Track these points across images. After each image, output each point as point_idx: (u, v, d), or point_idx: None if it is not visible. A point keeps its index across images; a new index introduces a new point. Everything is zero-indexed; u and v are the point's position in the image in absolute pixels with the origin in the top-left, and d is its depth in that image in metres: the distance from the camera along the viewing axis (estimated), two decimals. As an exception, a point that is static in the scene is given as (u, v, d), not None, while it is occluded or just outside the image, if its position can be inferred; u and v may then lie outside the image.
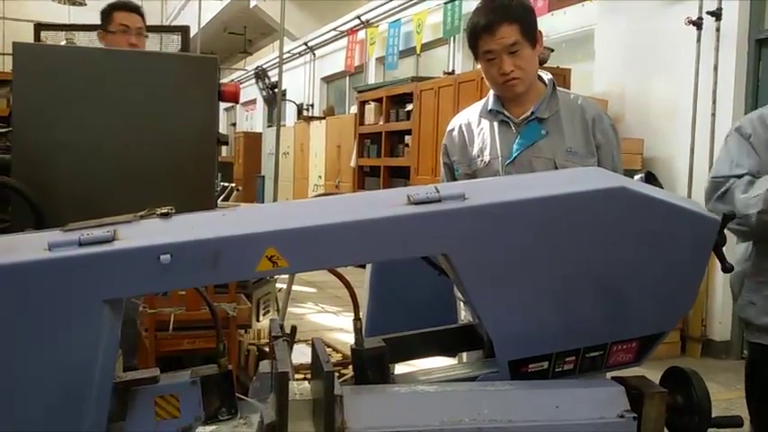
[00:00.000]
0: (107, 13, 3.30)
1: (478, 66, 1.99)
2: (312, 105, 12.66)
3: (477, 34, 1.84)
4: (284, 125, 12.27)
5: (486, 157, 1.95)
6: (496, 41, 1.81)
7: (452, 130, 2.08)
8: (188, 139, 1.62)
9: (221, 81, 1.67)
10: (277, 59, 6.19)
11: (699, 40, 5.06)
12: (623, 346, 1.24)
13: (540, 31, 1.88)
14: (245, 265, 1.02)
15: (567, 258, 1.16)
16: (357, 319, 1.24)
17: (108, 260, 0.98)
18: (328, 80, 12.54)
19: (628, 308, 1.22)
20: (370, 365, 1.21)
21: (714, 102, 4.95)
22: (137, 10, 3.16)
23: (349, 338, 2.52)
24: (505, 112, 1.95)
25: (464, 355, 1.60)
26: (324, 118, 10.89)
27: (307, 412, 1.15)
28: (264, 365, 1.32)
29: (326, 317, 6.22)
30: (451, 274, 1.15)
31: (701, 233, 1.21)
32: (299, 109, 12.67)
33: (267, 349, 4.40)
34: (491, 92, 1.99)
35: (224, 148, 17.69)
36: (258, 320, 4.75)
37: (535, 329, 1.19)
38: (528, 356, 1.21)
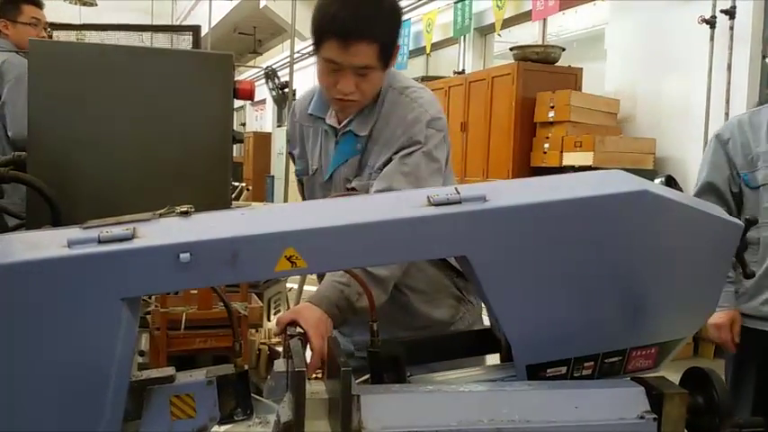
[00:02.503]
0: (16, 4, 3.40)
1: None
2: (322, 105, 12.63)
3: (325, 34, 1.52)
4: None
5: (314, 164, 1.77)
6: (346, 58, 1.52)
7: (294, 111, 1.82)
8: (203, 136, 1.62)
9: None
10: (287, 59, 6.20)
11: (712, 38, 5.03)
12: (642, 351, 1.23)
13: (397, 46, 1.61)
14: (264, 265, 1.01)
15: (587, 262, 1.15)
16: (374, 320, 1.23)
17: (127, 258, 0.97)
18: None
19: (648, 313, 1.21)
20: (387, 368, 1.20)
21: (727, 101, 4.92)
22: (41, 5, 3.36)
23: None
24: (326, 120, 1.72)
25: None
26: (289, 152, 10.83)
27: (322, 412, 1.14)
28: (279, 364, 1.31)
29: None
30: (469, 277, 1.14)
31: (723, 238, 1.20)
32: (309, 109, 12.65)
33: (279, 349, 4.40)
34: (319, 87, 1.71)
35: (234, 147, 17.71)
36: (269, 320, 4.75)
37: (554, 334, 1.17)
38: (546, 361, 1.20)
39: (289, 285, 5.66)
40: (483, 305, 1.84)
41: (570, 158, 5.25)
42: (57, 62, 1.55)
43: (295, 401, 1.02)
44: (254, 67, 16.18)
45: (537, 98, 5.57)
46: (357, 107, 1.64)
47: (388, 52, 1.57)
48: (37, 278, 0.94)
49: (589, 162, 5.06)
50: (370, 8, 1.53)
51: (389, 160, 1.59)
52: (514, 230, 1.09)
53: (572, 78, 5.92)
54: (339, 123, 1.70)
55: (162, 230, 1.02)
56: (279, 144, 11.94)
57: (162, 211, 1.07)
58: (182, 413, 1.16)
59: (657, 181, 1.26)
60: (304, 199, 1.84)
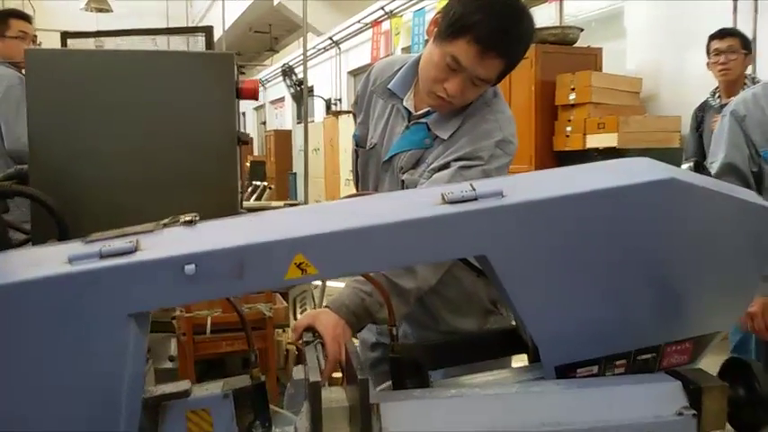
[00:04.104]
0: (3, 19, 3.44)
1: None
2: (340, 100, 12.63)
3: (466, 35, 1.44)
4: (313, 121, 12.28)
5: (375, 139, 1.69)
6: (475, 66, 1.46)
7: (370, 76, 1.74)
8: (207, 139, 1.57)
9: (240, 78, 1.62)
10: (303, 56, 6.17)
11: (735, 10, 4.88)
12: (677, 347, 1.16)
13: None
14: (272, 274, 0.97)
15: (615, 257, 1.08)
16: (393, 324, 1.18)
17: (131, 272, 0.94)
18: (355, 74, 12.49)
19: (682, 307, 1.14)
20: (408, 373, 1.16)
21: (753, 75, 4.76)
22: (30, 19, 3.39)
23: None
24: (404, 102, 1.63)
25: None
26: (352, 112, 10.82)
27: (343, 419, 1.10)
28: (298, 371, 1.27)
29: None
30: (490, 276, 1.09)
31: (758, 225, 1.13)
32: (328, 104, 12.65)
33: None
34: (409, 63, 1.65)
35: (255, 146, 17.84)
36: (295, 319, 4.74)
37: (583, 333, 1.12)
38: (576, 361, 1.14)
39: (315, 283, 5.67)
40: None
41: (594, 140, 5.13)
42: (54, 71, 1.52)
43: (312, 414, 0.99)
44: (258, 64, 16.18)
45: (557, 81, 5.45)
46: (450, 108, 1.57)
47: (508, 72, 1.54)
48: (37, 298, 0.91)
49: (613, 143, 4.94)
50: (517, 27, 1.48)
51: (447, 165, 1.52)
52: (535, 226, 1.03)
53: (592, 59, 5.78)
54: (416, 109, 1.63)
55: (165, 242, 0.99)
56: (299, 141, 11.94)
57: (166, 221, 1.03)
58: (198, 429, 1.12)
59: (685, 166, 1.20)
60: (355, 172, 1.78)
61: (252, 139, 18.52)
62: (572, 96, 5.30)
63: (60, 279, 0.91)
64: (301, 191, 11.17)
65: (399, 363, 1.17)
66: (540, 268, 1.05)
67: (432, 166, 1.53)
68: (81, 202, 1.51)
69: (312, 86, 13.14)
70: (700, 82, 5.25)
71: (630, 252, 1.09)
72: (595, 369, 1.15)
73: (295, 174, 13.02)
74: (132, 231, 1.00)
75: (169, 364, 4.01)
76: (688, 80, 5.37)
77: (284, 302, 4.17)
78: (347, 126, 10.77)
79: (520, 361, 1.34)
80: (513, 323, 1.79)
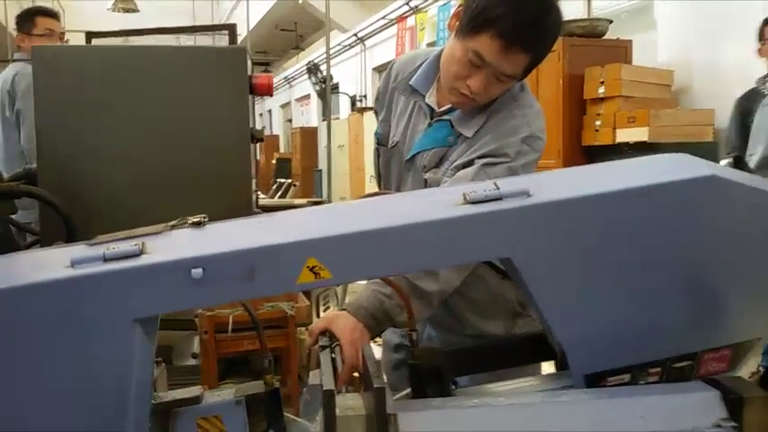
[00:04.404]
0: (30, 17, 3.42)
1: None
2: (365, 96, 12.59)
3: (488, 29, 1.36)
4: (338, 118, 12.25)
5: (396, 137, 1.62)
6: (499, 62, 1.39)
7: (391, 72, 1.67)
8: (219, 136, 1.52)
9: (255, 74, 1.57)
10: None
11: (772, -1, 4.71)
12: (715, 354, 1.09)
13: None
14: (284, 278, 0.92)
15: (649, 258, 1.01)
16: (413, 329, 1.13)
17: (135, 276, 0.90)
18: (380, 70, 12.44)
19: (721, 312, 1.07)
20: (429, 381, 1.10)
21: (794, 65, 4.59)
22: (57, 16, 3.34)
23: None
24: (426, 99, 1.57)
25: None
26: (374, 109, 10.78)
27: (359, 429, 1.05)
28: (314, 376, 1.23)
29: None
30: (515, 279, 1.03)
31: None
32: (353, 101, 12.62)
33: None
34: (431, 58, 1.59)
35: (281, 144, 17.92)
36: (318, 317, 4.72)
37: (614, 339, 1.05)
38: (606, 369, 1.08)
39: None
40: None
41: (624, 135, 5.01)
42: (62, 68, 1.49)
43: (325, 424, 0.94)
44: (284, 61, 16.19)
45: (585, 74, 5.32)
46: (473, 106, 1.49)
47: (534, 66, 1.46)
48: (38, 302, 0.87)
49: (644, 137, 4.81)
50: (544, 19, 1.41)
51: (470, 163, 1.45)
52: (564, 227, 0.96)
53: (621, 51, 5.64)
54: (438, 105, 1.56)
55: (172, 244, 0.95)
56: (325, 138, 11.96)
57: (174, 222, 0.99)
58: (210, 436, 1.09)
59: (724, 162, 1.12)
60: (378, 171, 1.72)
61: (278, 136, 18.60)
62: (601, 90, 5.18)
63: (62, 284, 0.87)
64: (326, 188, 11.17)
65: (419, 369, 1.11)
66: (569, 271, 0.99)
67: (455, 164, 1.47)
68: (90, 203, 1.48)
69: (337, 83, 13.12)
70: (735, 73, 5.10)
71: (666, 254, 1.03)
72: (627, 378, 1.09)
73: (321, 171, 13.02)
74: (138, 234, 0.96)
75: (192, 361, 4.01)
76: (722, 71, 5.21)
77: (307, 301, 4.15)
78: (372, 122, 10.70)
79: (550, 367, 1.28)
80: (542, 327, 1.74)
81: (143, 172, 1.50)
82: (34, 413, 0.90)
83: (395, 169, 1.64)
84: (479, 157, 1.43)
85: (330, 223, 0.96)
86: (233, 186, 1.51)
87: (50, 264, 0.91)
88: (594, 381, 1.07)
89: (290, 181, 8.60)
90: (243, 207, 1.51)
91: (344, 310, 1.31)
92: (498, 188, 0.95)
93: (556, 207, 0.95)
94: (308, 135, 14.74)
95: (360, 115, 11.44)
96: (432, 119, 1.56)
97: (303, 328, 4.18)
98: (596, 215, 0.97)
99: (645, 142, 4.81)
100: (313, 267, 0.92)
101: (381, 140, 1.68)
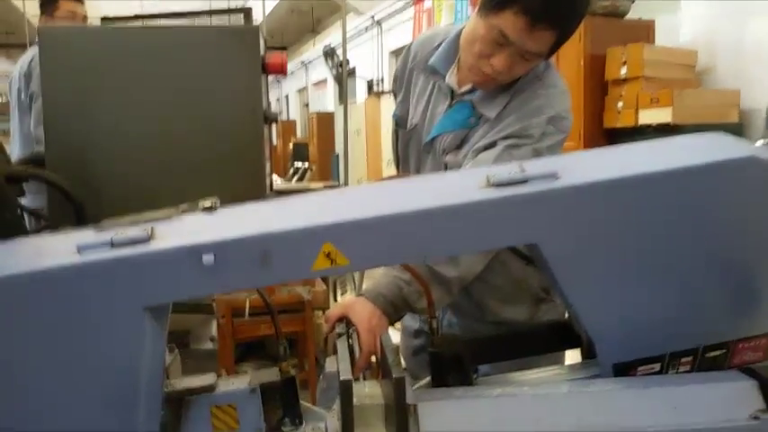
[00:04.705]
0: (53, 0, 3.36)
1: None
2: (382, 80, 12.49)
3: (513, 6, 1.30)
4: (354, 103, 12.17)
5: (415, 119, 1.56)
6: (524, 40, 1.33)
7: (409, 51, 1.61)
8: (232, 118, 1.48)
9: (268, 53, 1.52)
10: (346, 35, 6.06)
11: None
12: (750, 343, 1.04)
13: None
14: (299, 264, 0.89)
15: (682, 243, 0.96)
16: (433, 317, 1.09)
17: (144, 263, 0.87)
18: (397, 53, 12.33)
19: (757, 299, 1.02)
20: (450, 369, 1.06)
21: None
22: None
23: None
24: (446, 79, 1.50)
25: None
26: (392, 90, 10.70)
27: (377, 418, 1.02)
28: (330, 363, 1.19)
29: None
30: (540, 265, 0.98)
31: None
32: (369, 85, 12.53)
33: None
34: (451, 36, 1.52)
35: (298, 129, 17.88)
36: (336, 300, 4.71)
37: (644, 328, 1.00)
38: (636, 359, 1.03)
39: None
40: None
41: (647, 116, 4.90)
42: (69, 49, 1.45)
43: (343, 414, 0.90)
44: (280, 45, 16.06)
45: (607, 54, 5.20)
46: (495, 85, 1.43)
47: (561, 44, 1.40)
48: (43, 290, 0.84)
49: (668, 119, 4.70)
50: None
51: (493, 144, 1.39)
52: (594, 212, 0.91)
53: (644, 31, 5.51)
54: (459, 86, 1.50)
55: (183, 229, 0.91)
56: (342, 123, 11.90)
57: (184, 206, 0.95)
58: (223, 425, 1.06)
59: (760, 143, 1.05)
60: (396, 154, 1.67)
61: (294, 121, 18.57)
62: (623, 71, 5.06)
63: (67, 271, 0.84)
64: (343, 172, 11.12)
65: (440, 357, 1.07)
66: (598, 257, 0.94)
67: (476, 146, 1.41)
68: (100, 186, 1.44)
69: (354, 67, 13.02)
70: (762, 53, 4.96)
71: (700, 238, 0.97)
72: (657, 367, 1.04)
73: (338, 155, 12.98)
74: (147, 218, 0.92)
75: (210, 345, 4.02)
76: (747, 51, 5.08)
77: (324, 285, 4.13)
78: (389, 107, 10.58)
79: (574, 355, 1.23)
80: (566, 314, 1.69)
81: (154, 154, 1.46)
82: (41, 404, 0.87)
83: (413, 152, 1.58)
84: (502, 139, 1.37)
85: (347, 207, 0.91)
86: (246, 169, 1.46)
87: (56, 250, 0.88)
88: (623, 370, 1.03)
89: (306, 165, 8.56)
90: (256, 190, 1.47)
91: (362, 296, 1.27)
92: (524, 170, 0.90)
93: (586, 190, 0.90)
94: (325, 120, 14.67)
95: (377, 99, 11.36)
96: (452, 100, 1.51)
97: (320, 312, 4.17)
98: (628, 198, 0.92)
99: (668, 124, 4.71)
100: (329, 254, 0.88)
101: (400, 122, 1.63)
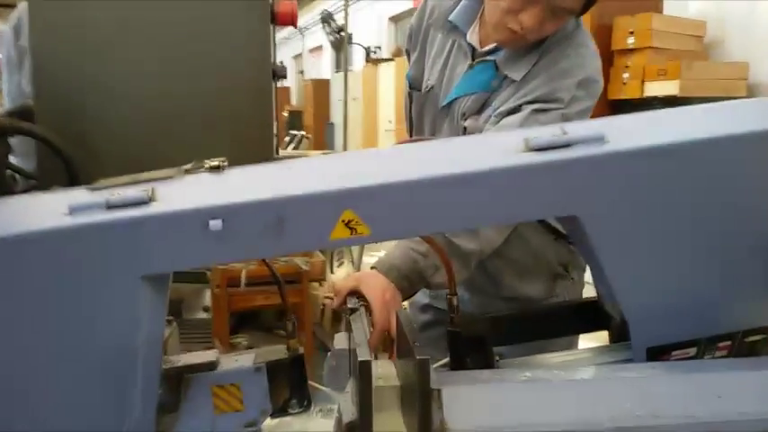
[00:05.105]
0: None
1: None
2: (379, 48, 12.28)
3: None
4: (351, 70, 11.97)
5: (432, 80, 1.46)
6: None
7: (426, 6, 1.49)
8: (238, 72, 1.37)
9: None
10: (343, 1, 5.89)
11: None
12: (792, 328, 0.96)
13: None
14: (315, 233, 0.80)
15: (729, 218, 0.89)
16: (453, 293, 1.00)
17: (144, 227, 0.78)
18: (396, 20, 12.10)
19: None
20: (470, 351, 0.98)
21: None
22: None
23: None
24: (467, 37, 1.39)
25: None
26: (392, 59, 10.54)
27: (392, 401, 0.94)
28: (340, 340, 1.11)
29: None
30: (576, 240, 0.89)
31: None
32: (367, 52, 12.32)
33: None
34: None
35: (293, 96, 17.63)
36: (332, 272, 4.63)
37: (684, 309, 0.92)
38: (671, 342, 0.95)
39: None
40: (585, 281, 1.56)
41: (653, 88, 4.79)
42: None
43: (360, 400, 0.82)
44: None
45: (614, 24, 5.08)
46: (522, 44, 1.33)
47: (591, 4, 1.30)
48: (30, 256, 0.75)
49: (675, 91, 4.60)
50: None
51: (518, 108, 1.28)
52: (643, 180, 0.83)
53: (652, 2, 5.38)
54: (481, 45, 1.39)
55: (187, 191, 0.82)
56: (338, 90, 11.71)
57: (188, 166, 0.85)
58: (227, 406, 0.98)
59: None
60: (409, 118, 1.56)
61: (289, 88, 18.33)
62: (630, 40, 4.94)
63: (57, 234, 0.75)
64: (339, 140, 10.98)
65: (460, 338, 0.99)
66: (643, 232, 0.86)
67: (499, 111, 1.31)
68: (94, 144, 1.33)
69: (351, 34, 12.78)
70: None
71: (749, 213, 0.90)
72: (693, 351, 0.97)
73: (333, 124, 12.81)
74: (147, 178, 0.83)
75: (204, 315, 3.95)
76: (757, 23, 4.97)
77: (322, 256, 4.04)
78: (387, 75, 10.48)
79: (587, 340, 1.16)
80: (585, 290, 1.61)
81: (155, 110, 1.35)
82: (28, 381, 0.79)
83: (429, 117, 1.48)
84: (528, 103, 1.27)
85: (370, 171, 0.82)
86: (252, 128, 1.36)
87: (45, 211, 0.79)
88: (657, 354, 0.96)
89: (303, 133, 8.42)
90: (264, 151, 1.36)
91: (374, 268, 1.18)
92: (566, 133, 0.81)
93: (637, 156, 0.81)
94: (321, 87, 14.46)
95: (374, 67, 11.17)
96: (473, 60, 1.40)
97: (316, 284, 4.09)
98: (679, 168, 0.83)
99: (675, 96, 4.61)
100: (349, 222, 0.79)
101: (414, 84, 1.52)
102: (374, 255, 5.85)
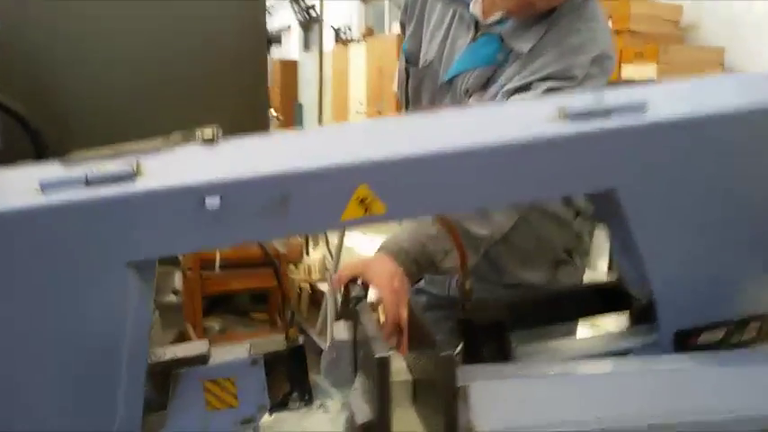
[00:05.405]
0: None
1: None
2: (350, 28, 12.08)
3: None
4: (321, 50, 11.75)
5: (430, 54, 1.38)
6: None
7: None
8: (229, 36, 1.24)
9: None
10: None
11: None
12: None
13: None
14: (325, 212, 0.71)
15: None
16: (466, 276, 0.92)
17: (129, 206, 0.68)
18: (366, 0, 11.92)
19: None
20: (486, 339, 0.91)
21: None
22: None
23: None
24: (470, 7, 1.31)
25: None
26: (363, 40, 10.39)
27: (404, 397, 0.86)
28: (339, 330, 1.03)
29: (376, 247, 5.99)
30: (607, 216, 0.82)
31: None
32: (337, 33, 12.11)
33: (321, 287, 4.20)
34: None
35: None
36: (308, 254, 4.54)
37: (717, 289, 0.86)
38: (701, 325, 0.89)
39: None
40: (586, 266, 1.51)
41: (629, 71, 4.76)
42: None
43: (379, 400, 0.74)
44: None
45: (590, 7, 5.05)
46: (530, 13, 1.24)
47: None
48: (-2, 239, 0.64)
49: (652, 74, 4.58)
50: None
51: (527, 86, 1.20)
52: (685, 152, 0.75)
53: (628, -16, 5.35)
54: (485, 15, 1.30)
55: (177, 165, 0.72)
56: (306, 71, 11.53)
57: (176, 136, 0.75)
58: (220, 402, 0.89)
59: None
60: (405, 96, 1.45)
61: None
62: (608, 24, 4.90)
63: (27, 214, 0.64)
64: (307, 122, 10.80)
65: (474, 326, 0.91)
66: (681, 206, 0.79)
67: (507, 88, 1.22)
68: (68, 114, 1.19)
69: (320, 13, 12.54)
70: (748, 8, 4.86)
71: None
72: (721, 334, 0.91)
73: (301, 104, 12.61)
74: (131, 150, 0.73)
75: (173, 298, 3.82)
76: (734, 8, 4.98)
77: (299, 238, 3.94)
78: (358, 56, 10.31)
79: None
80: (585, 276, 1.55)
81: (138, 77, 1.21)
82: (3, 377, 0.69)
83: (427, 93, 1.38)
84: (540, 80, 1.18)
85: (386, 142, 0.73)
86: (246, 95, 1.24)
87: (11, 188, 0.68)
88: (684, 338, 0.89)
89: (273, 113, 8.22)
90: (259, 122, 1.25)
91: (379, 251, 1.09)
92: (602, 101, 0.73)
93: (680, 126, 0.73)
94: (289, 68, 14.22)
95: (344, 48, 11.00)
96: (476, 32, 1.30)
97: (292, 267, 3.99)
98: (726, 137, 0.76)
99: (652, 80, 4.59)
100: (364, 199, 0.70)
101: (410, 58, 1.42)
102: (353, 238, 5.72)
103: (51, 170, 0.70)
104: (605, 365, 0.86)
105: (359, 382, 0.86)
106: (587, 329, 1.39)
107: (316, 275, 4.68)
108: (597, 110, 0.71)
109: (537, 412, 0.77)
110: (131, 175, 0.68)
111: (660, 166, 0.74)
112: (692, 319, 0.88)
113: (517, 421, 0.75)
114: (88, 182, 0.67)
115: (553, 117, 0.72)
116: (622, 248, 0.88)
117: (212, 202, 0.67)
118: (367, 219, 0.72)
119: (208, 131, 0.74)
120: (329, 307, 3.21)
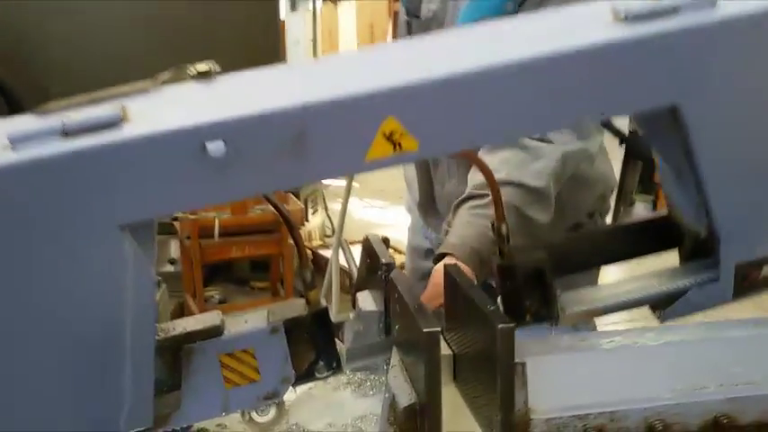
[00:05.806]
0: None
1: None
2: (338, -15, 11.77)
3: None
4: (308, 9, 11.48)
5: (433, 5, 1.33)
6: None
7: None
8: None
9: None
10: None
11: None
12: None
13: None
14: (348, 151, 0.61)
15: None
16: (501, 219, 0.82)
17: (116, 158, 0.57)
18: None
19: None
20: (528, 288, 0.81)
21: None
22: None
23: (399, 236, 2.14)
24: None
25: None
26: (354, -1, 10.14)
27: (445, 373, 0.77)
28: (366, 300, 0.94)
29: (372, 212, 5.96)
30: (663, 138, 0.72)
31: None
32: (325, -9, 11.81)
33: (323, 253, 4.11)
34: None
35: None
36: (307, 220, 4.45)
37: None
38: (764, 256, 0.80)
39: (326, 182, 5.31)
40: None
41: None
42: None
43: (428, 381, 0.66)
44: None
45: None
46: None
47: None
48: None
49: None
50: None
51: None
52: (762, 57, 0.64)
53: None
54: None
55: (170, 107, 0.61)
56: (295, 31, 11.22)
57: (166, 74, 0.64)
58: (239, 377, 0.80)
59: None
60: None
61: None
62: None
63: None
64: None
65: (515, 272, 0.82)
66: (754, 121, 0.68)
67: None
68: (43, 64, 1.07)
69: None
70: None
71: None
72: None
73: (290, 68, 12.38)
74: (114, 94, 0.62)
75: (170, 268, 3.74)
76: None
77: (299, 203, 3.85)
78: (348, 13, 10.05)
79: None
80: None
81: (124, 21, 1.08)
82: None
83: None
84: None
85: (416, 65, 0.62)
86: (255, 33, 1.10)
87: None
88: (745, 272, 0.80)
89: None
90: (266, 54, 1.12)
91: (450, 255, 1.10)
92: (663, -1, 0.62)
93: (757, 22, 0.62)
94: (275, 30, 13.95)
95: (333, 6, 10.73)
96: None
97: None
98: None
99: None
100: (392, 134, 0.60)
101: (411, 9, 1.34)
102: (341, 202, 5.65)
103: (22, 122, 0.59)
104: (668, 334, 0.77)
105: (396, 359, 0.78)
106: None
107: (316, 241, 4.60)
108: (660, 8, 0.60)
109: (599, 390, 0.69)
110: (116, 121, 0.57)
111: (735, 72, 0.64)
112: (756, 250, 0.79)
113: (578, 400, 0.67)
114: (66, 132, 0.56)
115: (607, 20, 0.61)
116: (678, 176, 0.78)
117: (215, 147, 0.57)
118: (397, 158, 0.61)
119: (202, 65, 0.63)
120: (334, 274, 3.13)
